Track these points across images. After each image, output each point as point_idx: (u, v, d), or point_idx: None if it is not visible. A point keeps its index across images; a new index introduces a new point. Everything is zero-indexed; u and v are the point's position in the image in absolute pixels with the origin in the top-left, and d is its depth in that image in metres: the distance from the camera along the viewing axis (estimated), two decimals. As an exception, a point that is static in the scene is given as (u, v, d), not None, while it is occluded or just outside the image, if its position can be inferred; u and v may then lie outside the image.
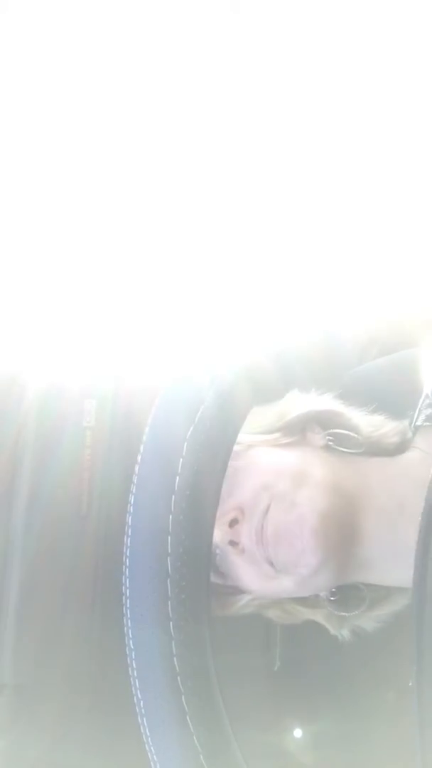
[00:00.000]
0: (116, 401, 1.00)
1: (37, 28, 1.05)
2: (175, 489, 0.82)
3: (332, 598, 0.80)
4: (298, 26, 1.05)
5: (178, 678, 0.79)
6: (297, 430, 0.82)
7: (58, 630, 0.96)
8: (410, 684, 0.69)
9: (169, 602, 0.80)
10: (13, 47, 1.05)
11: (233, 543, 0.77)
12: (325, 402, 0.82)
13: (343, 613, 0.79)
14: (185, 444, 0.84)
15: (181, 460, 0.83)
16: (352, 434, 0.80)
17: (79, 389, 1.00)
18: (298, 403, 0.82)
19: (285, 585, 0.77)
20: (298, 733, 0.92)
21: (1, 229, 1.09)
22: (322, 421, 0.82)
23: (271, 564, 0.75)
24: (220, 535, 0.76)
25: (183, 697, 0.79)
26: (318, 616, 0.83)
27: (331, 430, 0.81)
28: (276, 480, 0.76)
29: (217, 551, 0.79)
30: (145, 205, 1.11)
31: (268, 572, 0.76)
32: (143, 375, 0.98)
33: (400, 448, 0.82)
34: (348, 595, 0.80)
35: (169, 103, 1.09)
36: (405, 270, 1.02)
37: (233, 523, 0.77)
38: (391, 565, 0.78)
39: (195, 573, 0.81)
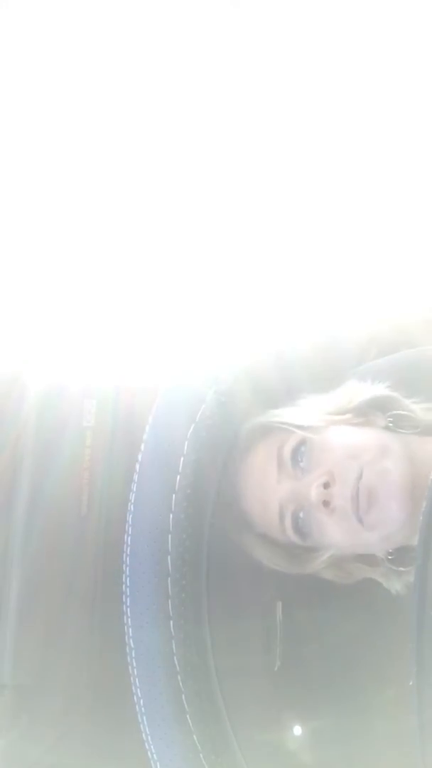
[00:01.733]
0: (116, 401, 1.00)
1: (37, 26, 1.05)
2: (176, 488, 0.82)
3: (390, 557, 0.89)
4: (298, 22, 1.05)
5: (178, 677, 0.80)
6: (363, 413, 0.93)
7: (58, 630, 0.96)
8: (410, 684, 0.70)
9: (170, 601, 0.80)
10: (14, 46, 1.06)
11: (326, 503, 0.86)
12: (382, 389, 0.93)
13: (401, 569, 0.88)
14: (186, 443, 0.84)
15: (182, 458, 0.83)
16: (411, 414, 0.91)
17: (79, 389, 1.00)
18: (359, 391, 0.93)
19: (369, 540, 0.87)
20: (298, 732, 0.92)
21: (2, 230, 1.09)
22: (382, 405, 0.92)
23: (360, 521, 0.85)
24: (315, 495, 0.86)
25: (183, 696, 0.79)
26: (376, 573, 0.91)
27: (391, 412, 0.91)
28: (362, 451, 0.87)
29: (301, 514, 0.88)
30: (145, 204, 1.11)
31: (356, 529, 0.85)
32: (143, 375, 0.98)
33: None
34: (403, 554, 0.89)
35: (169, 101, 1.10)
36: (404, 269, 1.03)
37: (327, 485, 0.86)
38: None
39: (195, 572, 0.82)
